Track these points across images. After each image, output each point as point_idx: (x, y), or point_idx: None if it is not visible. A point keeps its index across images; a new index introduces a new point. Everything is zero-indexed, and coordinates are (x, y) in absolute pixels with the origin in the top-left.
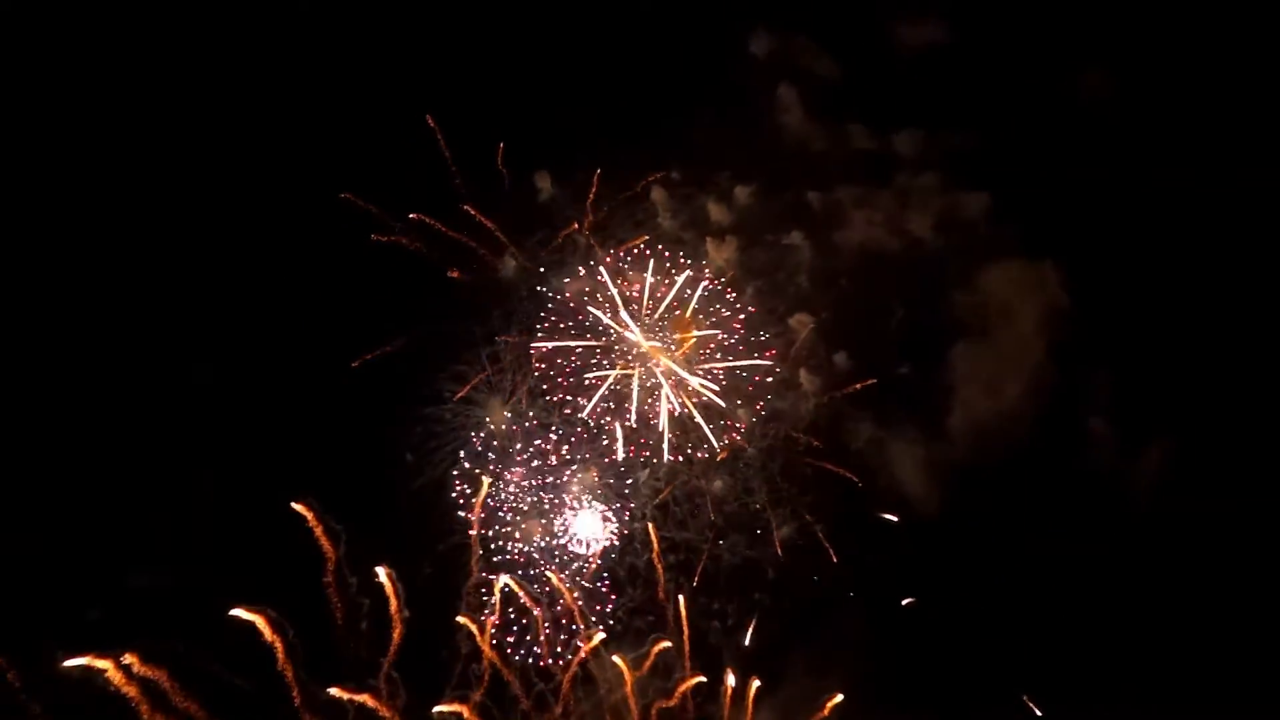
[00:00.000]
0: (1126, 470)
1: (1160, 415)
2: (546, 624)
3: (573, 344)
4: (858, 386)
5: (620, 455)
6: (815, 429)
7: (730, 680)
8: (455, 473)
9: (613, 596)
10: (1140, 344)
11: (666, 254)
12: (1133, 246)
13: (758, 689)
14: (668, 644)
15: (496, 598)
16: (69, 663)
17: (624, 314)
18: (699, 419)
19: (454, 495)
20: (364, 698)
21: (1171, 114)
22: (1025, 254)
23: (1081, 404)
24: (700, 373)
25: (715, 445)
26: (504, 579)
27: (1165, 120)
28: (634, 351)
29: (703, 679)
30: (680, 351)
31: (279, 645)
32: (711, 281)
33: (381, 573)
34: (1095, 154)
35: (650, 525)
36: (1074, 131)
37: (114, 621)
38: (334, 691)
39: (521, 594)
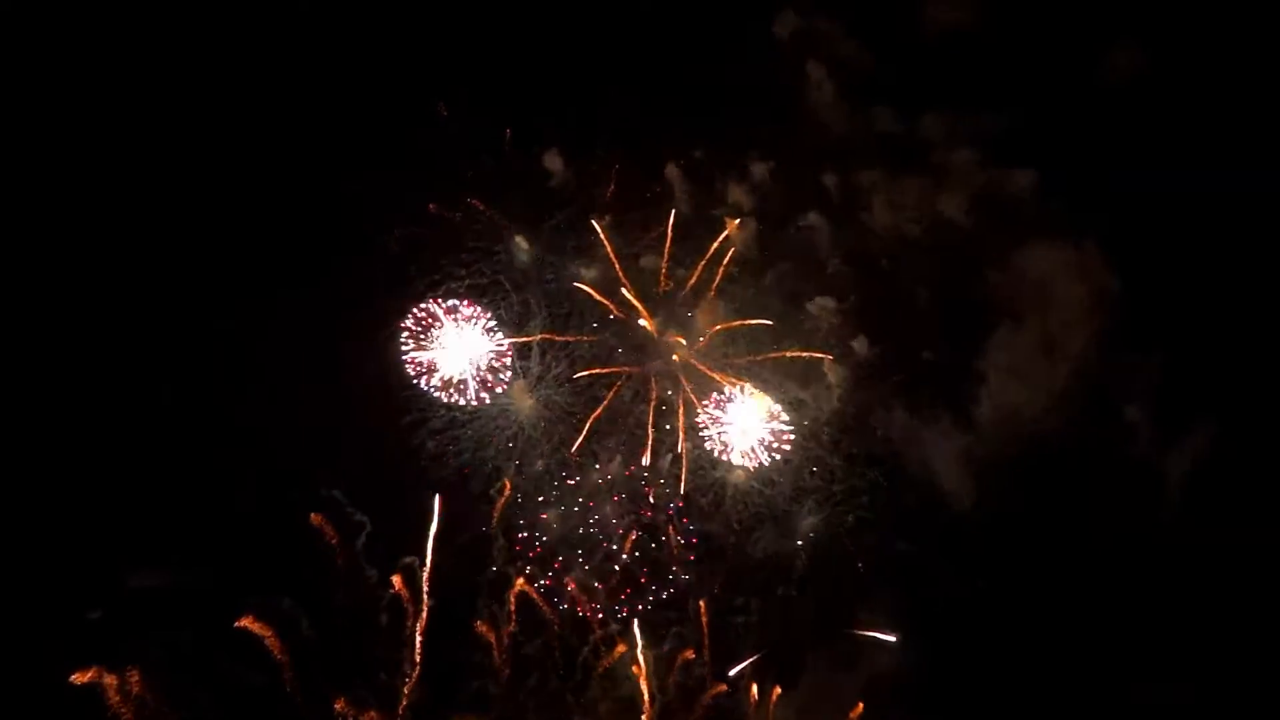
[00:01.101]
0: (1166, 461)
1: (1200, 405)
2: (563, 627)
3: (584, 339)
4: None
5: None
6: (842, 418)
7: (754, 690)
8: (477, 463)
9: (631, 590)
10: (1179, 331)
11: (686, 236)
12: (1168, 230)
13: (779, 694)
14: (691, 655)
15: (513, 603)
16: (77, 676)
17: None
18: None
19: (477, 486)
20: (369, 717)
21: (1211, 91)
22: (1059, 237)
23: (1118, 394)
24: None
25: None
26: (519, 585)
27: (1204, 98)
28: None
29: (724, 688)
30: (703, 342)
31: (285, 658)
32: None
33: (396, 582)
34: (1131, 134)
35: (671, 518)
36: (1109, 111)
37: (123, 619)
38: (338, 707)
39: (538, 599)
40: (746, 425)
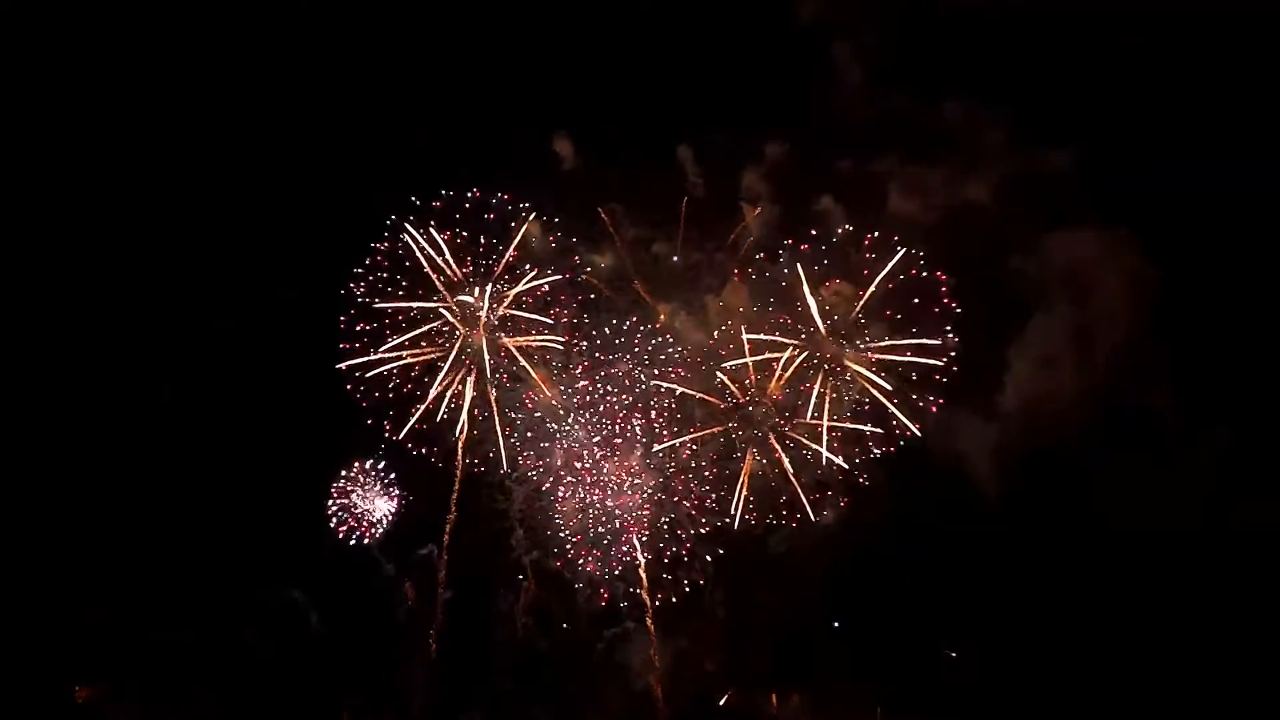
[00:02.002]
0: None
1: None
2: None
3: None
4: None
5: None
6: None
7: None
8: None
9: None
10: (1211, 321)
11: (702, 222)
12: (1201, 217)
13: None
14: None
15: (527, 598)
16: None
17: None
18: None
19: (496, 477)
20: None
21: (1248, 77)
22: (1086, 224)
23: (1147, 384)
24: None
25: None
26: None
27: (1241, 83)
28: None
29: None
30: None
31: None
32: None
33: (409, 591)
34: (1164, 118)
35: (690, 512)
36: (1141, 93)
37: (128, 619)
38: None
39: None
40: None
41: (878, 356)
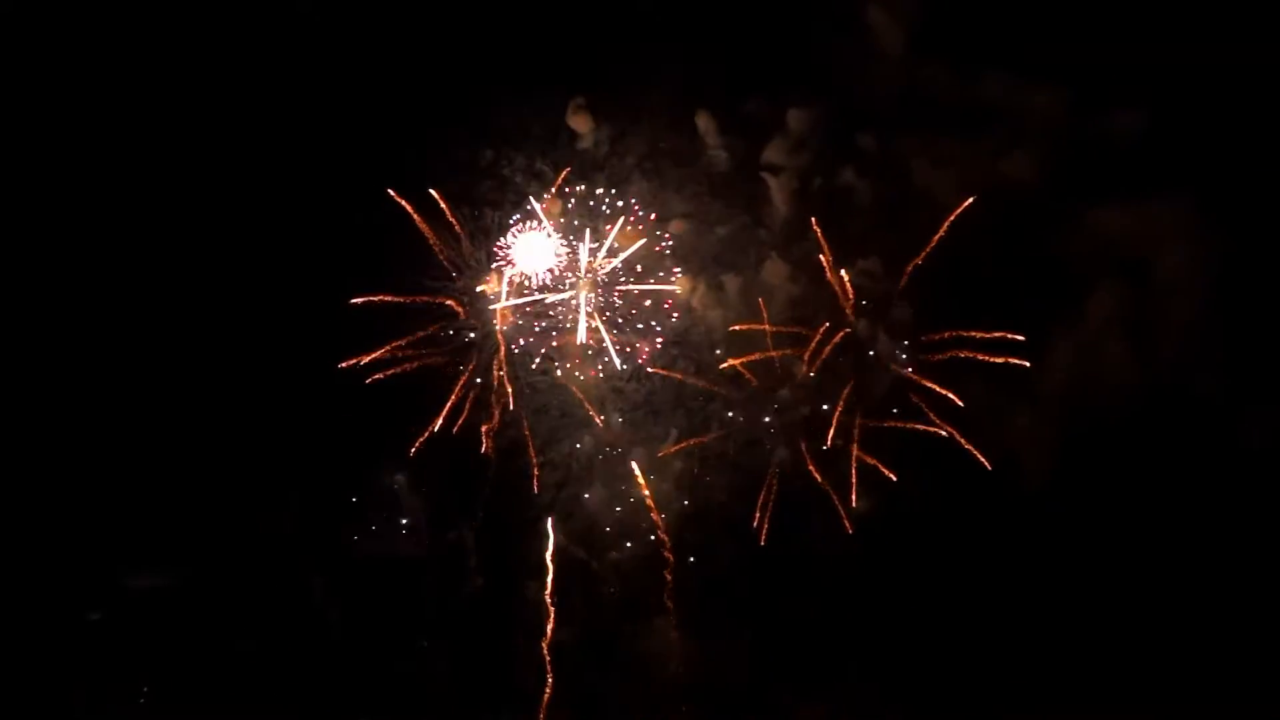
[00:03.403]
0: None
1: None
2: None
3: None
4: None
5: None
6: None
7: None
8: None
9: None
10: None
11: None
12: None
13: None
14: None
15: (551, 587)
16: None
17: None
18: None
19: (525, 463)
20: None
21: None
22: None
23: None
24: None
25: None
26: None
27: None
28: None
29: None
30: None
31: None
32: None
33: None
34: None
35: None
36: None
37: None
38: None
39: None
40: None
41: (936, 357)
